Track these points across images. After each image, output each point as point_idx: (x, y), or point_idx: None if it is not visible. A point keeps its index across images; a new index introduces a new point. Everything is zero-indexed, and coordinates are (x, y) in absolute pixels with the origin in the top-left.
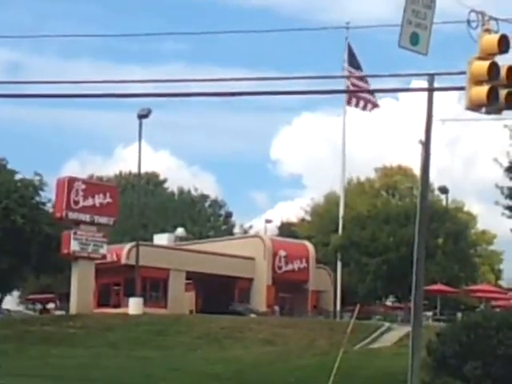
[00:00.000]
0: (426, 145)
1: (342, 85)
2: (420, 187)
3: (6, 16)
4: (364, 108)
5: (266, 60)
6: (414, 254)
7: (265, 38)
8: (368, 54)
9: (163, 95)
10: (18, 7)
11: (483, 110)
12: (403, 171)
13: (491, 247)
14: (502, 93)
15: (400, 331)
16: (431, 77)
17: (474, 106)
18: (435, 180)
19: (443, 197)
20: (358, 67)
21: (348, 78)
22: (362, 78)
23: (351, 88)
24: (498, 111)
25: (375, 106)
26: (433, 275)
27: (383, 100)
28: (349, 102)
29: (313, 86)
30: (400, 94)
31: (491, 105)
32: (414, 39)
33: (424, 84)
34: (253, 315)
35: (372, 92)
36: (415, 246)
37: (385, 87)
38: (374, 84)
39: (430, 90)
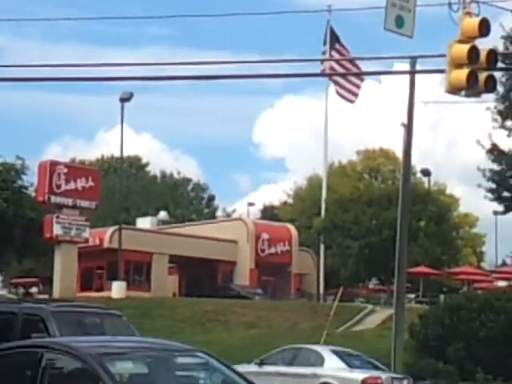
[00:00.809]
0: (408, 127)
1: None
2: (402, 170)
3: None
4: (343, 97)
5: (248, 43)
6: (396, 236)
7: (247, 21)
8: (350, 37)
9: (146, 78)
10: None
11: (463, 93)
12: (385, 154)
13: (474, 230)
14: (482, 76)
15: (383, 313)
16: (413, 60)
17: (454, 89)
18: (417, 162)
19: (425, 179)
20: (343, 48)
21: (329, 61)
22: (350, 61)
23: (330, 71)
24: (478, 94)
25: (355, 95)
26: (415, 257)
27: (365, 83)
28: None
29: (295, 69)
30: (382, 77)
31: (471, 88)
32: (399, 22)
33: (406, 67)
34: (257, 297)
35: (359, 75)
36: (398, 228)
37: (367, 70)
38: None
39: (412, 73)
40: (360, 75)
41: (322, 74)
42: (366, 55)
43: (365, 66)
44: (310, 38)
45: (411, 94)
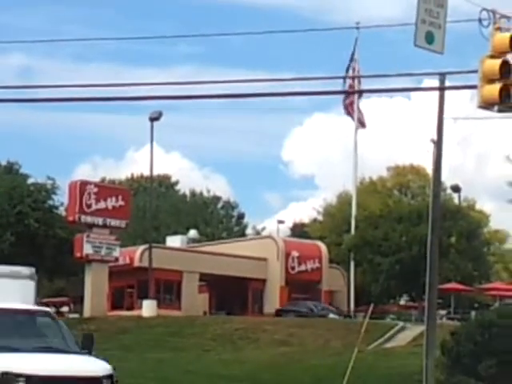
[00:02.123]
0: (438, 143)
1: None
2: (432, 186)
3: (19, 21)
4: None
5: (278, 61)
6: (427, 252)
7: (276, 39)
8: (379, 54)
9: (176, 98)
10: (31, 12)
11: (495, 108)
12: (415, 170)
13: (504, 246)
14: None
15: (414, 330)
16: (443, 76)
17: (486, 105)
18: (447, 179)
19: (456, 195)
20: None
21: (358, 77)
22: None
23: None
24: (510, 109)
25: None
26: (446, 274)
27: (395, 99)
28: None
29: (324, 86)
30: (412, 93)
31: (503, 103)
32: (430, 38)
33: (436, 83)
34: (333, 316)
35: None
36: (428, 244)
37: (396, 87)
38: (385, 83)
39: (442, 89)
40: (389, 92)
41: (351, 92)
42: (394, 72)
43: (394, 83)
44: (339, 55)
45: (441, 110)
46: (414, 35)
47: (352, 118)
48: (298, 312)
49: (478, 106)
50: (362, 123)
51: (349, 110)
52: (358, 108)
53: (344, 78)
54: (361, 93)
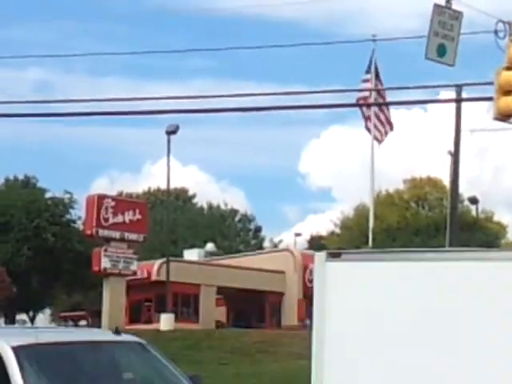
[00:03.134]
0: (455, 155)
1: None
2: (450, 198)
3: (34, 35)
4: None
5: (293, 74)
6: None
7: (291, 52)
8: (396, 66)
9: (192, 111)
10: (47, 27)
11: (511, 119)
12: (432, 182)
13: None
14: None
15: None
16: (459, 88)
17: (502, 117)
18: (465, 190)
19: (473, 207)
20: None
21: (377, 91)
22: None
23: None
24: None
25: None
26: None
27: (411, 111)
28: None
29: (340, 99)
30: (428, 105)
31: None
32: (441, 51)
33: (452, 95)
34: None
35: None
36: None
37: (413, 99)
38: (402, 95)
39: (458, 101)
40: (406, 104)
41: (368, 104)
42: (411, 84)
43: (410, 95)
44: (355, 67)
45: (458, 122)
46: (425, 48)
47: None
48: None
49: (494, 118)
50: (389, 126)
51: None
52: (384, 115)
53: (358, 90)
54: (377, 105)
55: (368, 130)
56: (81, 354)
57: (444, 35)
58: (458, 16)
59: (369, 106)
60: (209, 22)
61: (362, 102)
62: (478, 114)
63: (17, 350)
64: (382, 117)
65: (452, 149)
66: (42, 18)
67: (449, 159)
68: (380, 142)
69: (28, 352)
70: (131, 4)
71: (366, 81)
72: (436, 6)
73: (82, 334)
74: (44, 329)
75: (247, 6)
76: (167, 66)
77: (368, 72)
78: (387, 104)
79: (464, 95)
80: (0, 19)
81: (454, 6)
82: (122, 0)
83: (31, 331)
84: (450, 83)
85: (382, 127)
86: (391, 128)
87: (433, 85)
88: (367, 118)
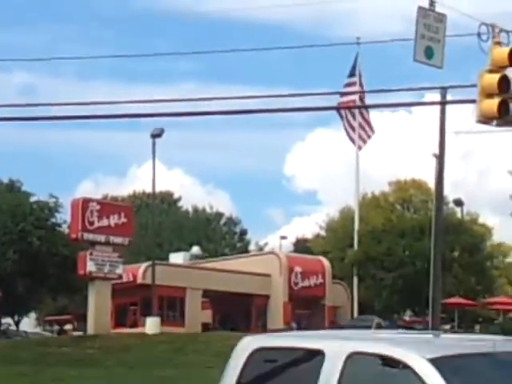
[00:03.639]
0: (440, 158)
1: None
2: (435, 200)
3: (21, 39)
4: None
5: (278, 77)
6: (430, 267)
7: (277, 55)
8: (380, 69)
9: (177, 114)
10: (31, 31)
11: (494, 122)
12: (417, 185)
13: (508, 259)
14: None
15: None
16: (444, 90)
17: (485, 119)
18: (450, 193)
19: (458, 209)
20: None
21: (361, 93)
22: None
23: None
24: (509, 124)
25: (363, 142)
26: (450, 288)
27: (396, 114)
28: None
29: (326, 102)
30: (414, 108)
31: (502, 118)
32: (429, 53)
33: (437, 97)
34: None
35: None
36: (431, 259)
37: (398, 101)
38: (387, 98)
39: (443, 104)
40: (390, 106)
41: (354, 107)
42: (396, 86)
43: (395, 97)
44: (340, 70)
45: (442, 125)
46: (413, 50)
47: (348, 133)
48: (366, 328)
49: (477, 121)
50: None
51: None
52: (364, 120)
53: (343, 93)
54: (363, 108)
55: (351, 139)
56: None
57: (430, 37)
58: (442, 18)
59: (352, 109)
60: (196, 25)
61: (344, 106)
62: (463, 117)
63: (437, 363)
64: (363, 122)
65: (437, 151)
66: (28, 21)
67: (434, 161)
68: (360, 148)
69: (449, 365)
70: (118, 7)
71: (351, 84)
72: (420, 8)
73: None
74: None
75: (234, 9)
76: (154, 69)
77: (352, 75)
78: (371, 107)
79: (449, 97)
80: None
81: (438, 9)
82: (109, 3)
83: (429, 339)
84: (435, 85)
85: (363, 132)
86: (372, 131)
87: (418, 87)
88: (350, 126)
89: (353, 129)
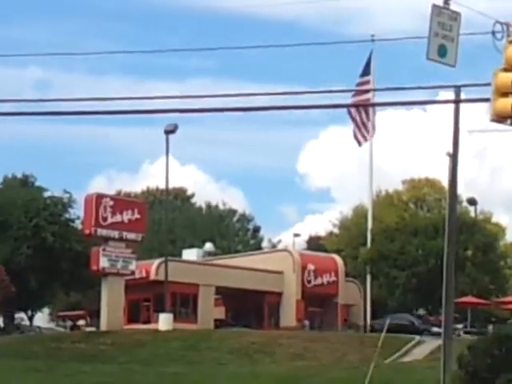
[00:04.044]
0: (454, 156)
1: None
2: (448, 199)
3: (34, 35)
4: (365, 139)
5: (291, 74)
6: (443, 266)
7: (290, 52)
8: (394, 67)
9: (191, 111)
10: (47, 26)
11: (508, 121)
12: (431, 183)
13: None
14: None
15: (431, 344)
16: (458, 89)
17: (499, 118)
18: (463, 192)
19: (472, 208)
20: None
21: (374, 91)
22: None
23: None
24: None
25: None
26: (463, 287)
27: (411, 112)
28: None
29: (339, 99)
30: (427, 106)
31: None
32: (442, 51)
33: (451, 96)
34: (436, 329)
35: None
36: (445, 258)
37: (412, 99)
38: (401, 96)
39: (457, 102)
40: (404, 105)
41: (367, 105)
42: (410, 85)
43: (410, 96)
44: (354, 67)
45: (456, 123)
46: (426, 48)
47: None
48: (400, 326)
49: (491, 120)
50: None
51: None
52: (368, 119)
53: (357, 91)
54: (376, 106)
55: (355, 137)
56: None
57: (444, 36)
58: (456, 17)
59: (366, 107)
60: (209, 22)
61: (358, 103)
62: (477, 115)
63: None
64: (366, 120)
65: (450, 150)
66: (42, 16)
67: (447, 160)
68: (360, 144)
69: None
70: (131, 3)
71: (364, 83)
72: (434, 6)
73: None
74: None
75: (247, 6)
76: (167, 65)
77: (365, 75)
78: (385, 105)
79: (463, 96)
80: (1, 18)
81: (452, 7)
82: None
83: None
84: (449, 84)
85: (365, 130)
86: (374, 131)
87: (431, 85)
88: (357, 125)
89: (359, 127)
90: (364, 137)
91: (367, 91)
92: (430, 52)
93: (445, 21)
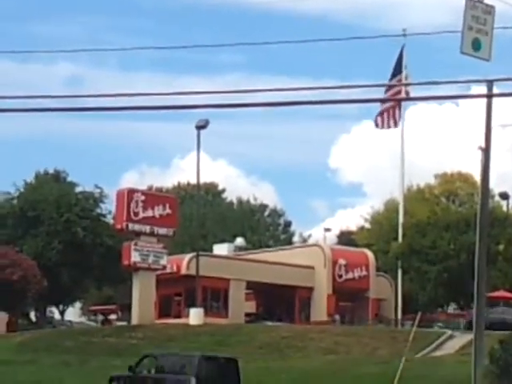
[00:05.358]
0: (486, 151)
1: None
2: (480, 193)
3: (66, 30)
4: (382, 125)
5: (321, 68)
6: (475, 260)
7: (320, 47)
8: (426, 61)
9: (222, 106)
10: (77, 22)
11: None
12: (463, 177)
13: None
14: None
15: (462, 339)
16: (490, 83)
17: None
18: (495, 186)
19: (504, 203)
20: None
21: (405, 85)
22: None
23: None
24: None
25: (395, 123)
26: (495, 281)
27: (443, 106)
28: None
29: (371, 94)
30: (460, 100)
31: None
32: (476, 45)
33: (484, 90)
34: None
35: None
36: (476, 252)
37: (444, 94)
38: (433, 91)
39: (489, 97)
40: (436, 99)
41: (401, 99)
42: (442, 79)
43: (442, 90)
44: (386, 62)
45: (488, 118)
46: (460, 42)
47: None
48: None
49: None
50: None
51: (383, 116)
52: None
53: (390, 86)
54: (408, 100)
55: (376, 123)
56: None
57: (478, 29)
58: (490, 10)
59: (400, 101)
60: (240, 17)
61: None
62: (511, 109)
63: None
64: (393, 112)
65: (483, 144)
66: (72, 12)
67: (480, 154)
68: (377, 126)
69: None
70: None
71: (397, 83)
72: (468, 0)
73: None
74: None
75: (277, 0)
76: (198, 60)
77: (395, 75)
78: (417, 99)
79: (495, 90)
80: (31, 14)
81: (486, 0)
82: None
83: None
84: (481, 78)
85: (387, 118)
86: (395, 124)
87: (463, 80)
88: (386, 111)
89: (383, 113)
90: (383, 122)
91: (399, 86)
92: (464, 46)
93: (479, 14)
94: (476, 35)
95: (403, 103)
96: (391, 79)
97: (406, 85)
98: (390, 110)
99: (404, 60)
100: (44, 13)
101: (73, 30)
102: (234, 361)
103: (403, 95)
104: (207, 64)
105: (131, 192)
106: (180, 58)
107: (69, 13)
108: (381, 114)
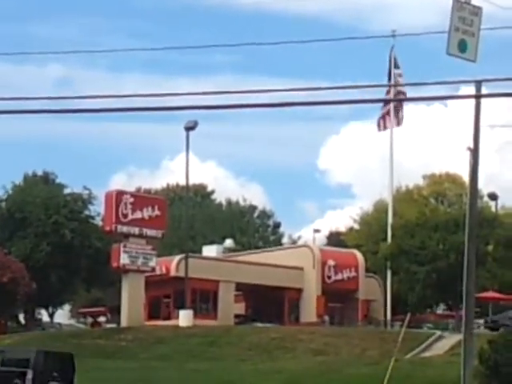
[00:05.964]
0: (475, 151)
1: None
2: (469, 194)
3: (55, 32)
4: (385, 126)
5: (313, 70)
6: (464, 261)
7: (312, 48)
8: (415, 62)
9: (212, 107)
10: (67, 24)
11: None
12: (452, 178)
13: None
14: None
15: (451, 339)
16: (478, 83)
17: None
18: (484, 186)
19: (493, 203)
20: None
21: (395, 86)
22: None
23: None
24: None
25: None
26: (484, 282)
27: (431, 106)
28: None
29: (361, 95)
30: (448, 101)
31: None
32: (463, 46)
33: (472, 90)
34: None
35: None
36: (465, 253)
37: (433, 95)
38: (421, 91)
39: (478, 97)
40: (425, 100)
41: (390, 100)
42: (431, 80)
43: (430, 91)
44: (376, 63)
45: (477, 118)
46: (446, 43)
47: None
48: None
49: None
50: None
51: (384, 119)
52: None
53: (381, 86)
54: (397, 101)
55: (379, 125)
56: None
57: (464, 31)
58: (477, 11)
59: (389, 102)
60: (231, 18)
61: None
62: (499, 110)
63: None
64: (396, 113)
65: (471, 145)
66: (63, 14)
67: (468, 155)
68: (380, 129)
69: None
70: (153, 0)
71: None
72: (455, 1)
73: None
74: None
75: (270, 1)
76: (188, 61)
77: (392, 67)
78: (406, 100)
79: (484, 91)
80: (22, 15)
81: (473, 1)
82: None
83: None
84: (470, 79)
85: (388, 120)
86: (398, 124)
87: (452, 80)
88: (385, 114)
89: (385, 115)
90: (385, 125)
91: (389, 87)
92: (450, 47)
93: (466, 15)
94: (462, 36)
95: (392, 104)
96: (389, 80)
97: (395, 85)
98: (393, 110)
99: (392, 63)
100: (34, 14)
101: (63, 32)
102: (70, 355)
103: (391, 96)
104: (199, 65)
105: (120, 194)
106: (172, 60)
107: (59, 14)
108: (383, 116)
